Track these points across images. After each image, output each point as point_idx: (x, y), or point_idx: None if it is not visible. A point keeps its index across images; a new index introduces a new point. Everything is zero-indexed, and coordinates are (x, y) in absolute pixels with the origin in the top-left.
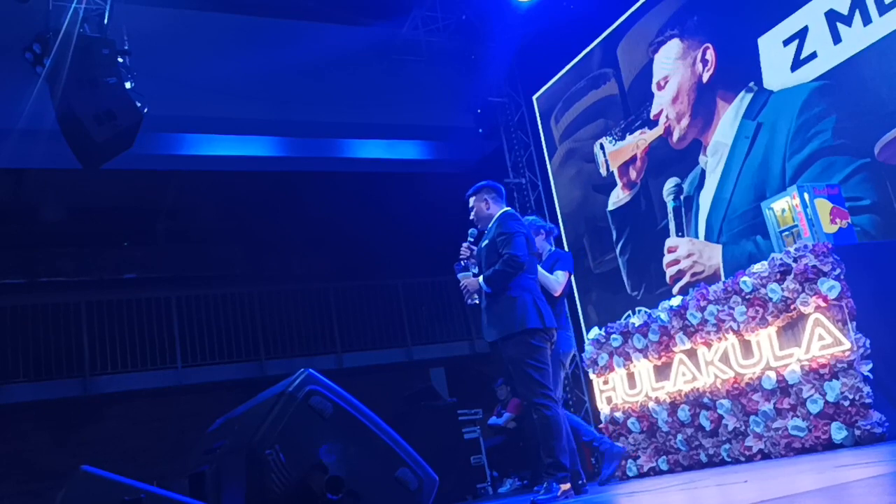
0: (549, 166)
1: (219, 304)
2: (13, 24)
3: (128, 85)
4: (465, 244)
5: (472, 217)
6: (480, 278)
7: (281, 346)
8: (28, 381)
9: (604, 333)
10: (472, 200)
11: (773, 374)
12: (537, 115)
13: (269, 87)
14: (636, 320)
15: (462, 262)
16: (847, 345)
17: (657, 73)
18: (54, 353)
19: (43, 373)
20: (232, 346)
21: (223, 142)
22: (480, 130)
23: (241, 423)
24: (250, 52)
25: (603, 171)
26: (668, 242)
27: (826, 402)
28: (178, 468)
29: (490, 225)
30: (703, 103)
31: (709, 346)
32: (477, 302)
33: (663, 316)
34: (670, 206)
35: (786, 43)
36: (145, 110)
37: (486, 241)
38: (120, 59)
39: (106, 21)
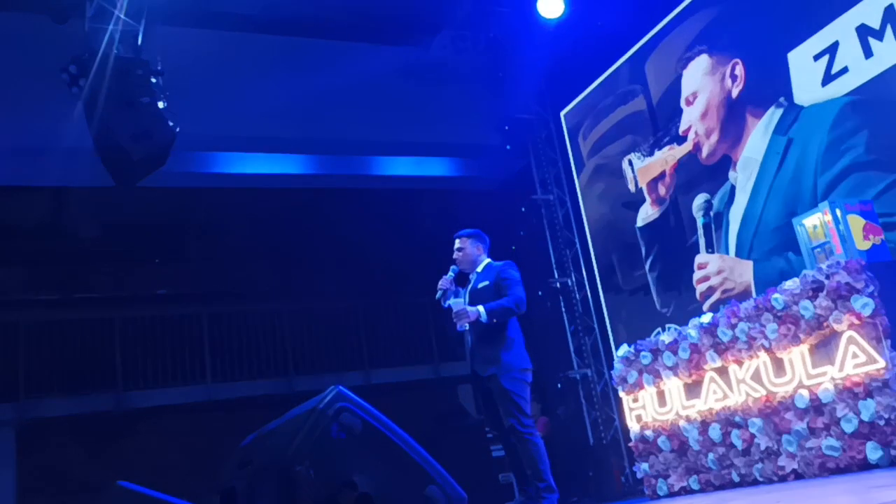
0: (577, 183)
1: (248, 320)
2: (52, 45)
3: (161, 104)
4: (446, 278)
5: (456, 256)
6: (480, 308)
7: (309, 362)
8: (63, 395)
9: (633, 351)
10: (464, 242)
11: (805, 393)
12: (565, 131)
13: (299, 106)
14: (666, 337)
15: (438, 293)
16: (882, 363)
17: (686, 89)
18: (88, 367)
19: (77, 387)
20: (262, 361)
21: (253, 160)
22: (508, 147)
23: (273, 439)
24: (280, 70)
25: (632, 188)
26: (698, 259)
27: (861, 422)
28: (208, 483)
29: (479, 269)
30: (733, 119)
31: (740, 363)
32: (466, 328)
33: (693, 333)
34: (700, 222)
35: (816, 58)
36: (178, 129)
37: (486, 283)
38: (153, 80)
39: (140, 42)
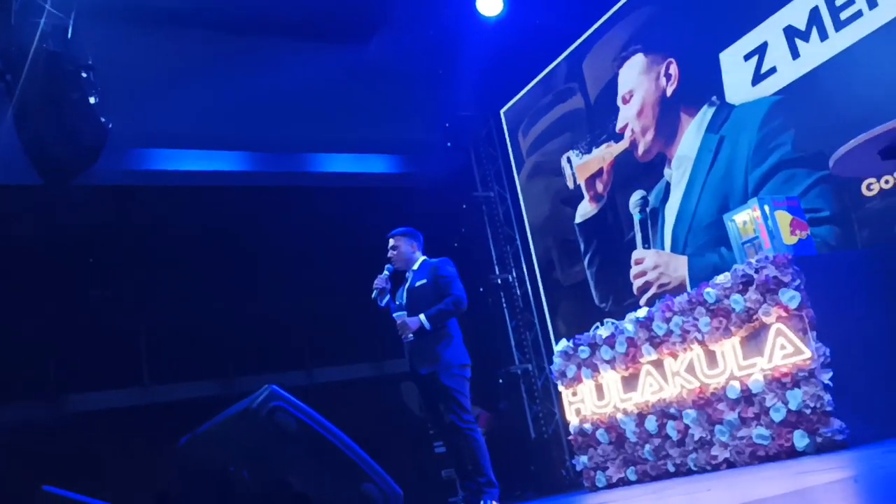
0: (517, 180)
1: (186, 320)
2: None
3: (92, 100)
4: (381, 276)
5: (391, 255)
6: (421, 317)
7: (250, 362)
8: None
9: (572, 345)
10: (397, 240)
11: (737, 384)
12: (505, 129)
13: (237, 103)
14: (604, 332)
15: (374, 292)
16: (808, 353)
17: (622, 88)
18: (21, 373)
19: (9, 392)
20: (201, 363)
21: (190, 157)
22: (449, 144)
23: (206, 440)
24: (217, 67)
25: (570, 185)
26: (635, 254)
27: (788, 411)
28: (142, 486)
29: (415, 267)
30: (667, 117)
31: (675, 356)
32: (412, 339)
33: (630, 327)
34: (636, 218)
35: (746, 58)
36: (110, 125)
37: (423, 281)
38: (84, 74)
39: (69, 36)
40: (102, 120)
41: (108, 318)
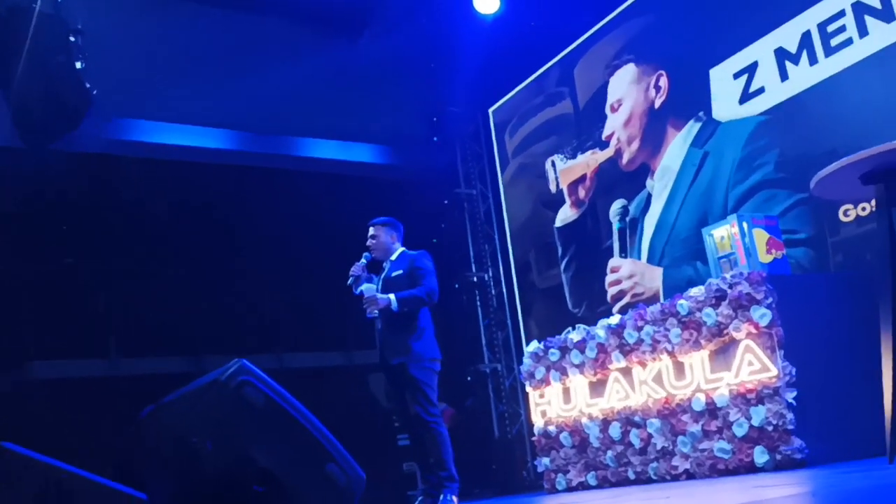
0: (500, 179)
1: (158, 294)
2: None
3: (78, 65)
4: (358, 264)
5: (370, 244)
6: (392, 296)
7: (220, 341)
8: None
9: (542, 347)
10: (378, 229)
11: (702, 397)
12: (492, 127)
13: (226, 80)
14: (575, 336)
15: (350, 279)
16: (774, 371)
17: (611, 96)
18: None
19: None
20: (170, 338)
21: (174, 130)
22: (436, 139)
23: (172, 410)
24: (208, 43)
25: (553, 188)
26: (612, 262)
27: (751, 427)
28: (104, 453)
29: (393, 258)
30: (654, 128)
31: (643, 365)
32: (376, 315)
33: (601, 333)
34: (616, 226)
35: (736, 76)
36: (95, 92)
37: (400, 272)
38: (72, 38)
39: None
40: (87, 86)
41: (79, 288)
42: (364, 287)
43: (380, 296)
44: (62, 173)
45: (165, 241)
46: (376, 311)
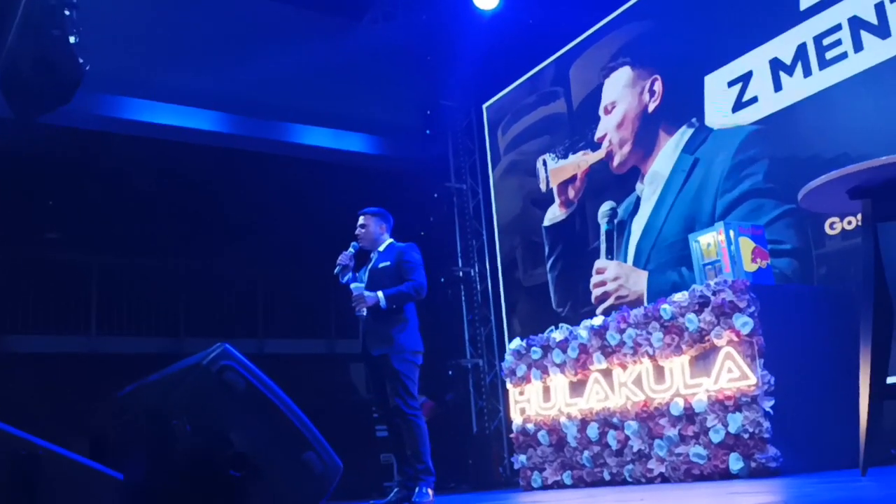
0: (491, 175)
1: (141, 273)
2: None
3: (72, 39)
4: (346, 253)
5: (359, 233)
6: (380, 294)
7: (202, 323)
8: None
9: (525, 345)
10: (368, 219)
11: (681, 401)
12: (485, 123)
13: (219, 61)
14: (558, 335)
15: (337, 268)
16: (753, 380)
17: (605, 98)
18: None
19: None
20: (151, 318)
21: (166, 110)
22: (428, 132)
23: (152, 390)
24: (204, 23)
25: (543, 187)
26: (598, 264)
27: (727, 433)
28: (78, 433)
29: (381, 249)
30: (646, 132)
31: (624, 367)
32: (364, 314)
33: (584, 334)
34: (603, 228)
35: (730, 84)
36: (87, 67)
37: (387, 264)
38: (67, 12)
39: None
40: (80, 60)
41: (62, 264)
42: (353, 286)
43: (367, 293)
44: (49, 147)
45: (152, 221)
46: (364, 310)
